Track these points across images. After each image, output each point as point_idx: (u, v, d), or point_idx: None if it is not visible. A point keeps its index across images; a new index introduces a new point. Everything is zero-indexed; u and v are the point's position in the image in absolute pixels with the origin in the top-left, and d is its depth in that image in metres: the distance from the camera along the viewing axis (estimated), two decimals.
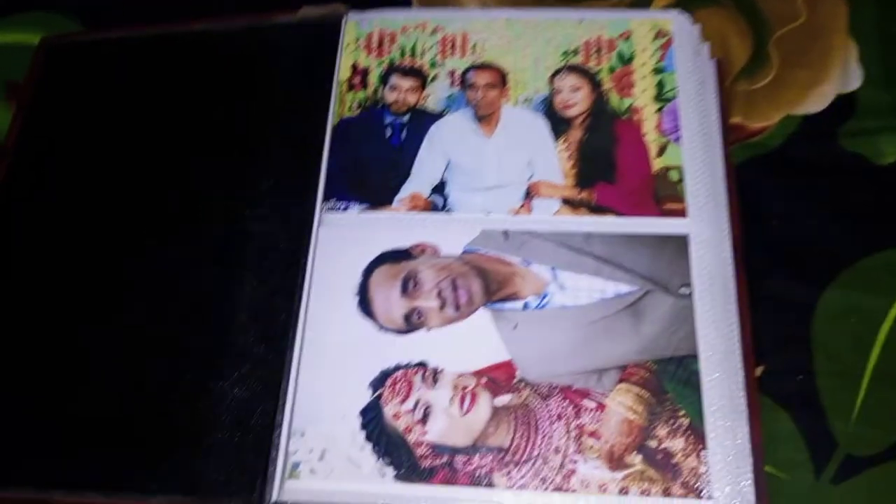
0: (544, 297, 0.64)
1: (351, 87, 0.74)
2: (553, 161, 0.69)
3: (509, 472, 0.59)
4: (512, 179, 0.69)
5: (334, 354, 0.64)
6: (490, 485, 0.59)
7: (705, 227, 0.65)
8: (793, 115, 0.76)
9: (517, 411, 0.60)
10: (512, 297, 0.64)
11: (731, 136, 0.73)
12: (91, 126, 0.77)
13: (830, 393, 0.66)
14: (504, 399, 0.61)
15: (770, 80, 0.78)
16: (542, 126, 0.71)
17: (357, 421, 0.61)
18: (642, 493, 0.58)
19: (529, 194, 0.68)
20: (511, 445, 0.59)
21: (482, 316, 0.64)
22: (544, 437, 0.59)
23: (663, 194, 0.67)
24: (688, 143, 0.68)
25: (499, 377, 0.62)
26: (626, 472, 0.58)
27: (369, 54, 0.75)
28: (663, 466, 0.58)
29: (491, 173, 0.69)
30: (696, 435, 0.59)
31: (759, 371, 0.65)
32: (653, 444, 0.59)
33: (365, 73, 0.74)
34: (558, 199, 0.68)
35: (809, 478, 0.63)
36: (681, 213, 0.66)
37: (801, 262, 0.70)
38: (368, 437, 0.61)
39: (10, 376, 0.67)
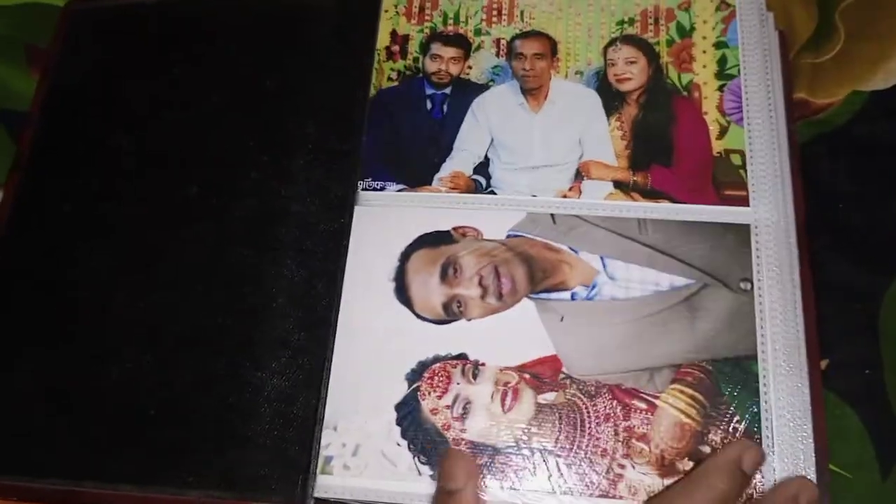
0: (593, 288, 0.60)
1: (390, 55, 0.69)
2: (605, 140, 0.65)
3: (552, 475, 0.55)
4: (561, 159, 0.64)
5: (368, 343, 0.60)
6: (532, 488, 0.55)
7: (770, 211, 0.61)
8: (859, 91, 0.71)
9: (562, 410, 0.57)
10: (559, 286, 0.61)
11: (796, 112, 0.68)
12: (117, 95, 0.73)
13: None
14: (548, 397, 0.57)
15: (836, 53, 0.73)
16: (594, 101, 0.66)
17: (392, 415, 0.58)
18: None
19: (579, 175, 0.64)
20: (555, 446, 0.56)
21: (526, 306, 0.60)
22: (591, 438, 0.56)
23: (723, 179, 0.62)
24: (753, 121, 0.63)
25: (543, 373, 0.58)
26: (675, 479, 0.55)
27: (409, 20, 0.70)
28: None
29: (538, 152, 0.65)
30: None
31: (823, 365, 0.61)
32: (706, 450, 0.55)
33: (405, 41, 0.70)
34: (610, 181, 0.63)
35: (875, 478, 0.60)
36: (743, 200, 0.61)
37: (868, 248, 0.66)
38: (404, 433, 0.58)
39: (40, 366, 0.64)
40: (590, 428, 0.56)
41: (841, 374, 0.62)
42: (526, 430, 0.57)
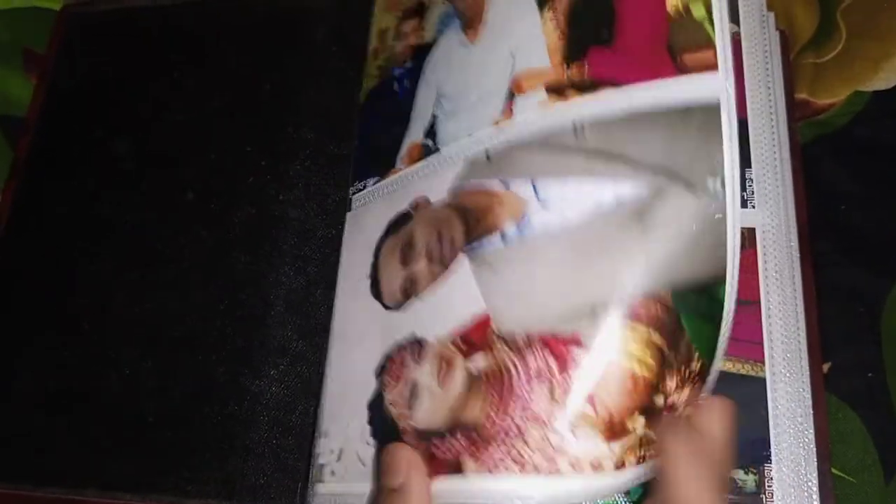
0: (524, 221, 0.49)
1: (376, 56, 0.66)
2: (537, 39, 0.53)
3: (478, 454, 0.46)
4: (494, 84, 0.54)
5: (354, 346, 0.57)
6: (459, 471, 0.47)
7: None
8: (861, 91, 0.71)
9: (490, 374, 0.47)
10: (490, 230, 0.51)
11: (797, 113, 0.65)
12: (114, 99, 0.74)
13: None
14: (477, 361, 0.48)
15: (837, 53, 0.72)
16: (527, 3, 0.55)
17: (366, 415, 0.54)
18: (639, 461, 0.42)
19: (511, 95, 0.53)
20: (481, 419, 0.47)
21: (462, 263, 0.51)
22: (520, 404, 0.46)
23: (682, 43, 0.47)
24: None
25: (474, 335, 0.49)
26: (623, 440, 0.43)
27: (390, 11, 0.66)
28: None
29: (474, 86, 0.56)
30: (702, 380, 0.43)
31: (825, 368, 0.61)
32: (659, 401, 0.43)
33: (384, 35, 0.66)
34: (542, 87, 0.51)
35: (879, 481, 0.60)
36: (710, 66, 0.46)
37: (871, 250, 0.66)
38: (374, 432, 0.53)
39: (40, 373, 0.66)
40: (520, 391, 0.46)
41: (843, 377, 0.62)
42: (457, 405, 0.48)
